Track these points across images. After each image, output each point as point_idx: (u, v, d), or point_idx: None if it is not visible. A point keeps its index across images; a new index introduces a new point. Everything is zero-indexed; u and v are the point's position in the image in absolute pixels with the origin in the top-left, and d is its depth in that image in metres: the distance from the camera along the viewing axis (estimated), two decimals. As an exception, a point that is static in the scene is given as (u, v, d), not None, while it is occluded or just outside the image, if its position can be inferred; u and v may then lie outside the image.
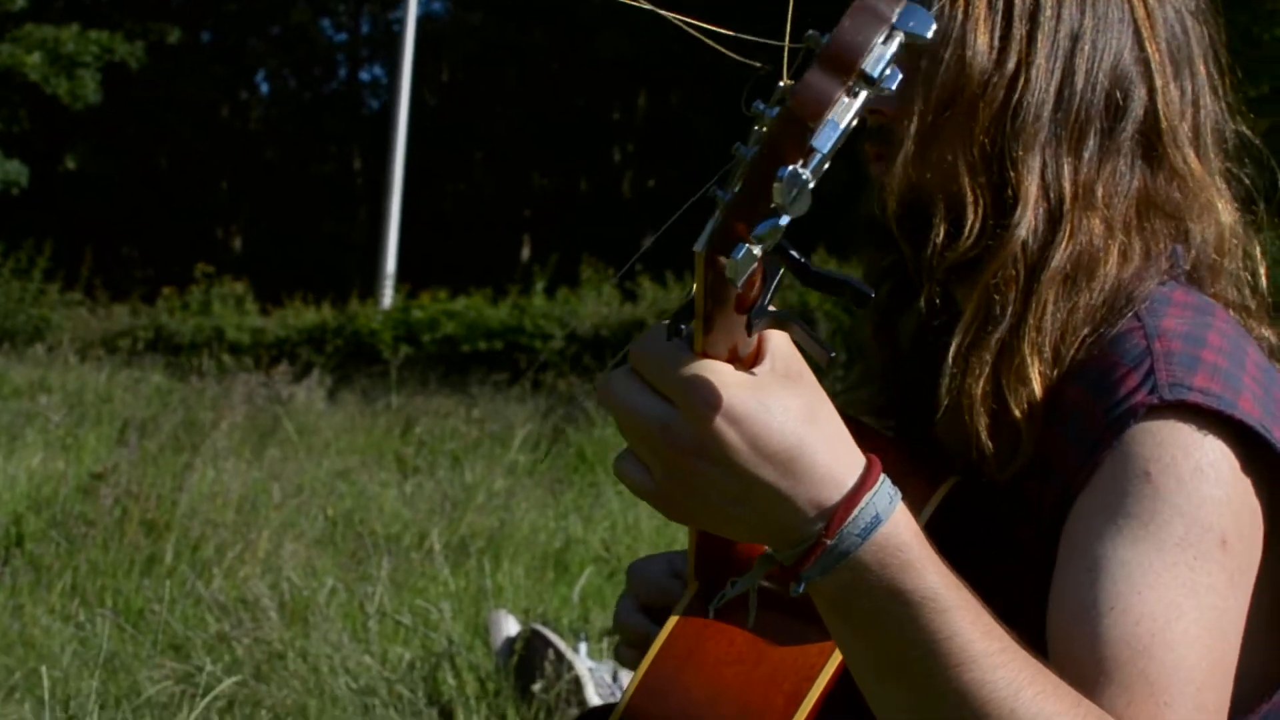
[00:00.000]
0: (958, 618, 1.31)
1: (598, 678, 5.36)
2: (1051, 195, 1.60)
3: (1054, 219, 1.60)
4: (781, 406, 1.27)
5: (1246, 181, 1.81)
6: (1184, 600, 1.43)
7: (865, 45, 1.10)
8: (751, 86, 1.25)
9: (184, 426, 10.49)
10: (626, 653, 1.83)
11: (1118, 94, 1.62)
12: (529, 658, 5.47)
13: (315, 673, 5.63)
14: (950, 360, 1.61)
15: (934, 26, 1.14)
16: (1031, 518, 1.57)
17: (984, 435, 1.58)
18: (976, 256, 1.61)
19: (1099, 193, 1.61)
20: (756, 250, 1.13)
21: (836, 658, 1.54)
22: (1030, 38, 1.61)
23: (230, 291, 21.44)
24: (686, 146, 34.85)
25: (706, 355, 1.25)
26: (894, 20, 1.11)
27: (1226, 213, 1.71)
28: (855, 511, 1.28)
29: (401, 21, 25.63)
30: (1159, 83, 1.64)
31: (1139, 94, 1.63)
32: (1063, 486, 1.53)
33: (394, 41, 27.96)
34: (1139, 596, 1.43)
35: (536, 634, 5.50)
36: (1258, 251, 1.78)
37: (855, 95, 1.10)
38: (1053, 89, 1.60)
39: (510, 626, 5.86)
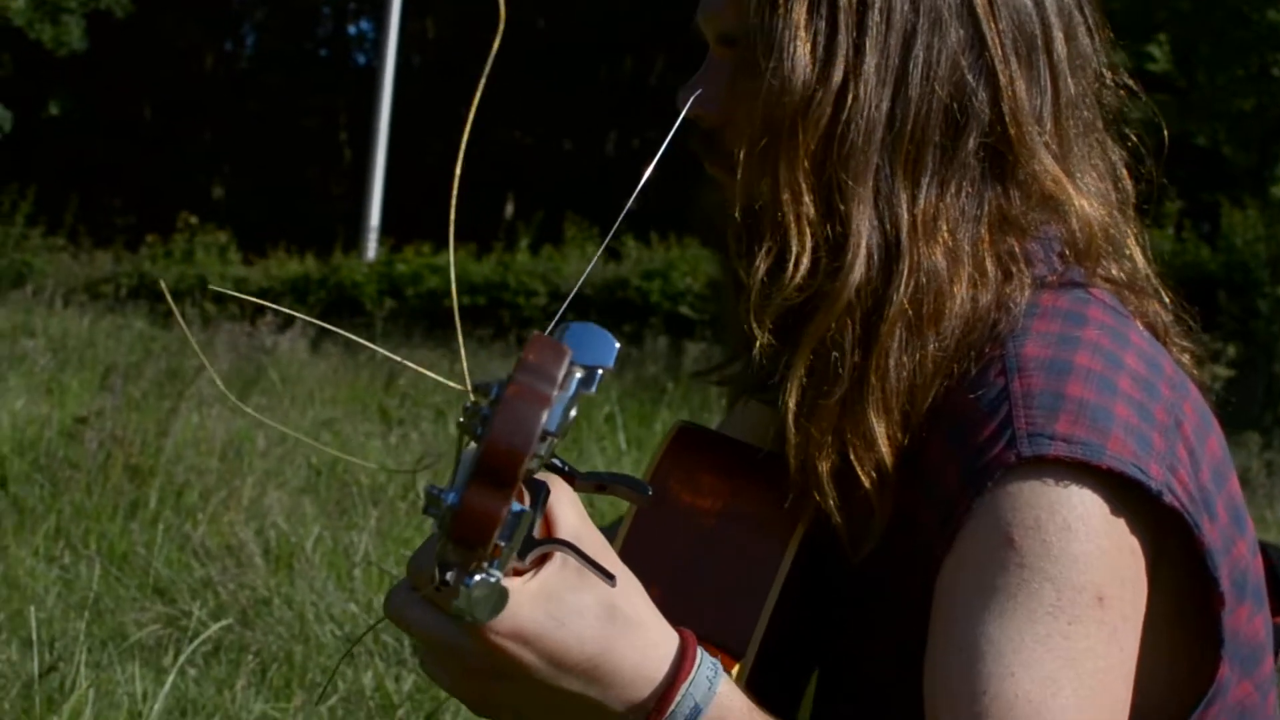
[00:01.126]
0: None
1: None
2: (887, 229, 1.41)
3: (890, 257, 1.41)
4: (576, 612, 1.20)
5: (1134, 139, 1.62)
6: (1061, 673, 1.32)
7: (528, 439, 1.03)
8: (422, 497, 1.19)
9: (167, 373, 10.47)
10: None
11: (955, 106, 1.42)
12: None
13: (300, 619, 5.63)
14: (789, 429, 1.44)
15: (616, 350, 1.11)
16: (900, 571, 1.46)
17: (835, 514, 1.45)
18: (806, 301, 1.41)
19: (941, 224, 1.42)
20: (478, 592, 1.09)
21: None
22: (858, 47, 1.40)
23: (214, 240, 21.36)
24: (669, 108, 34.82)
25: None
26: (557, 387, 1.04)
27: (1096, 208, 1.52)
28: (672, 706, 1.23)
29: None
30: (1004, 80, 1.43)
31: (981, 99, 1.43)
32: (926, 548, 1.40)
33: (382, -5, 27.82)
34: (1012, 679, 1.30)
35: (523, 585, 5.52)
36: (1131, 240, 1.59)
37: (540, 453, 1.05)
38: (884, 107, 1.40)
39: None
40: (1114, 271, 1.56)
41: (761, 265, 1.42)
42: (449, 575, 1.10)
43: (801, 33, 1.39)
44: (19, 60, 32.23)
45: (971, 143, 1.43)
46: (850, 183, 1.39)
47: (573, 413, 1.06)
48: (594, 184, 34.90)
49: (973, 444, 1.37)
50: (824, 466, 1.43)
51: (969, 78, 1.42)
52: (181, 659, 4.85)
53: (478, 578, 1.06)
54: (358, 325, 16.70)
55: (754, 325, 1.43)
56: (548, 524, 1.22)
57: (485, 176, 38.66)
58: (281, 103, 39.74)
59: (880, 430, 1.41)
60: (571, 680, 1.20)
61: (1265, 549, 1.61)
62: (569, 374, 1.06)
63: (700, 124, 1.52)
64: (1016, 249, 1.47)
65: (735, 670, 1.40)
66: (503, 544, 1.05)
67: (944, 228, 1.42)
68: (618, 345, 1.11)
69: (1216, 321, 13.73)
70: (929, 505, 1.40)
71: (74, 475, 7.15)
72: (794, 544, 1.49)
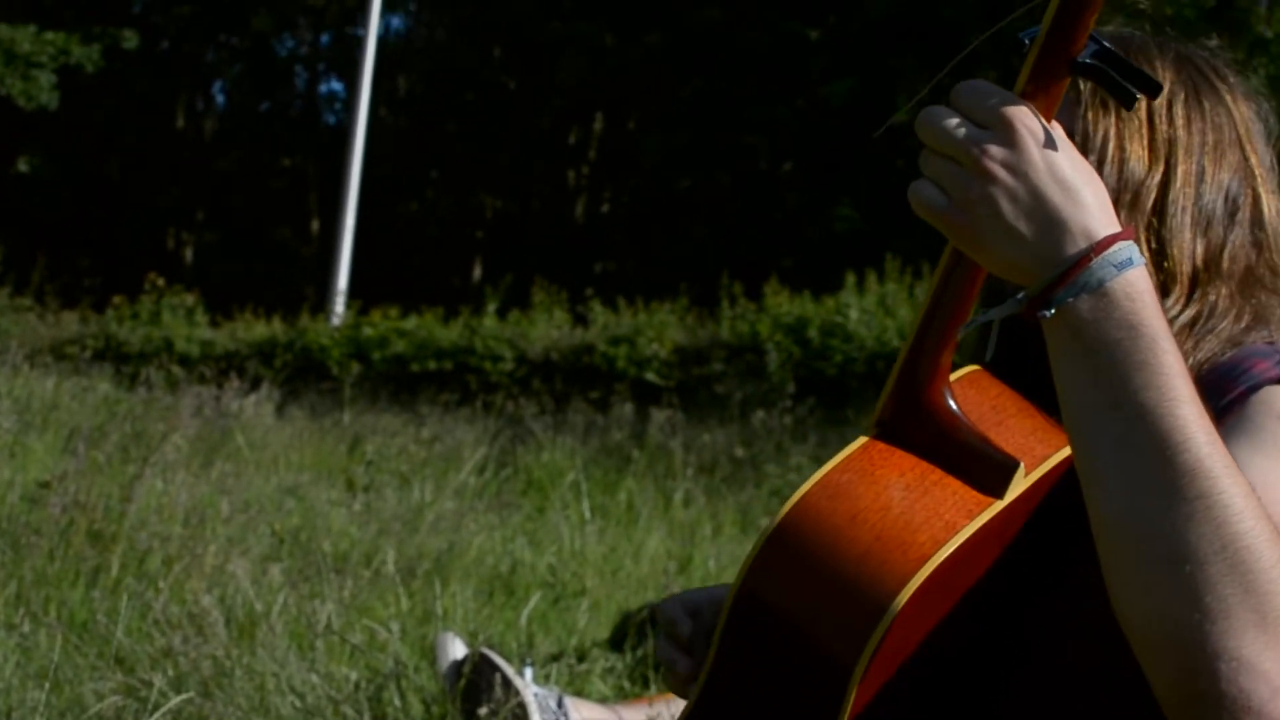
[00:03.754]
0: (1177, 363, 1.51)
1: (543, 703, 5.37)
2: (1189, 267, 1.85)
3: (1190, 289, 1.85)
4: (1073, 156, 1.57)
5: None
6: None
7: None
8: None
9: (132, 437, 10.44)
10: (675, 680, 1.99)
11: (1231, 192, 1.89)
12: (476, 682, 5.47)
13: (261, 690, 5.62)
14: None
15: None
16: None
17: None
18: None
19: (1224, 266, 1.86)
20: None
21: (992, 510, 1.68)
22: (1172, 149, 1.88)
23: (181, 302, 21.32)
24: (639, 171, 34.92)
25: None
26: None
27: None
28: (1115, 246, 1.53)
29: (362, 36, 25.59)
30: (1260, 184, 1.92)
31: (1248, 194, 1.91)
32: None
33: (353, 56, 27.90)
34: (1274, 488, 1.59)
35: (484, 658, 5.51)
36: None
37: None
38: (1191, 189, 1.87)
39: (457, 649, 5.86)
40: None
41: None
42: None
43: (1137, 138, 1.88)
44: (-12, 117, 32.18)
45: (1243, 219, 1.90)
46: (1168, 235, 1.86)
47: None
48: (563, 248, 34.97)
49: (1250, 371, 1.74)
50: None
51: (1240, 178, 1.91)
52: (141, 731, 4.84)
53: None
54: (323, 390, 16.69)
55: None
56: None
57: (454, 239, 38.74)
58: (251, 162, 39.80)
59: None
60: (1055, 190, 1.55)
61: None
62: None
63: None
64: (1264, 304, 1.88)
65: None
66: None
67: (1224, 269, 1.87)
68: None
69: None
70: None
71: (36, 541, 7.11)
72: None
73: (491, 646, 6.18)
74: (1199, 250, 1.85)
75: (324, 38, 43.25)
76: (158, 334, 19.99)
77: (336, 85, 45.12)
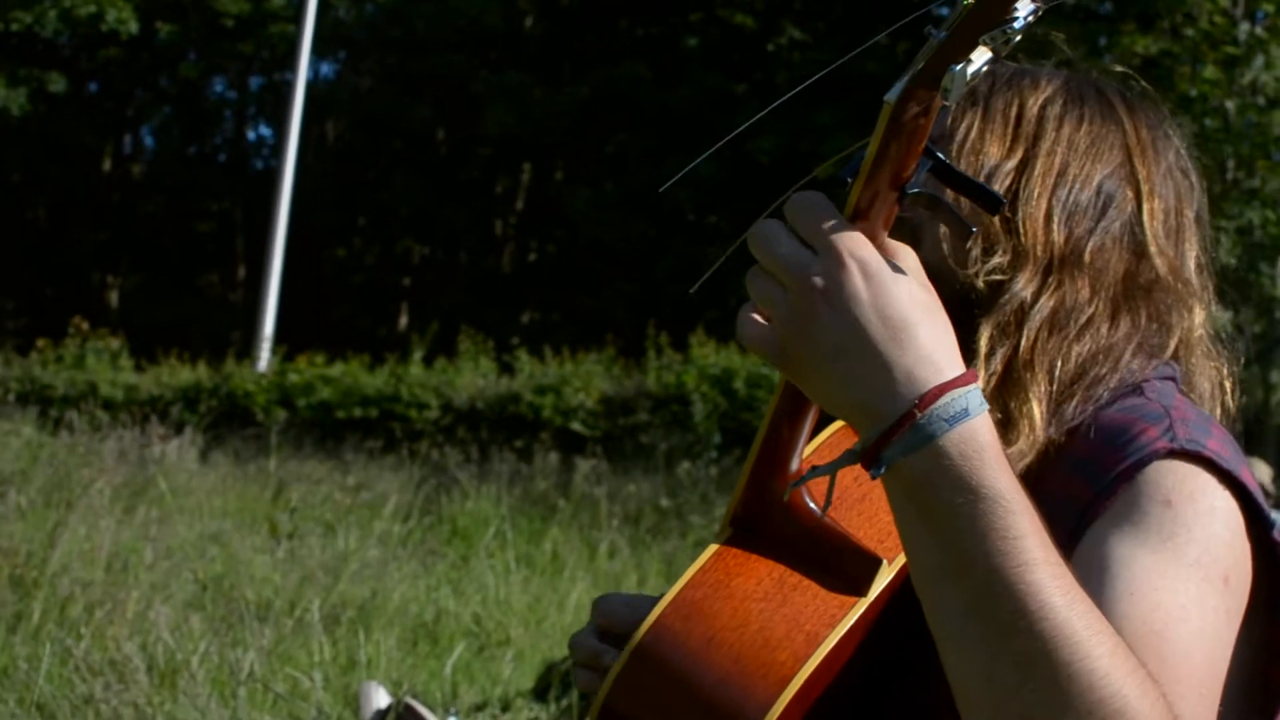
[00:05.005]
0: (1026, 522, 1.35)
1: (466, 753, 5.39)
2: (1043, 253, 1.75)
3: (1046, 273, 1.75)
4: (909, 288, 1.39)
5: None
6: (1192, 609, 1.51)
7: None
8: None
9: (56, 482, 10.38)
10: (581, 674, 1.82)
11: (1105, 190, 1.80)
12: (399, 731, 5.48)
13: (183, 738, 5.61)
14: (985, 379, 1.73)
15: None
16: None
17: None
18: (988, 296, 1.76)
19: (1086, 258, 1.76)
20: (971, 68, 1.31)
21: (856, 613, 1.60)
22: (1034, 142, 1.80)
23: (105, 346, 21.22)
24: (566, 222, 34.98)
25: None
26: None
27: (1202, 322, 1.85)
28: (946, 397, 1.36)
29: (291, 82, 25.58)
30: (1145, 190, 1.81)
31: (1126, 196, 1.80)
32: (1075, 518, 1.61)
33: (282, 102, 27.87)
34: (1155, 590, 1.50)
35: (408, 708, 5.52)
36: (1224, 376, 1.89)
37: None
38: (1049, 180, 1.78)
39: (381, 699, 5.87)
40: (1204, 387, 1.87)
41: (973, 255, 1.77)
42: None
43: (995, 137, 1.81)
44: (-87, 158, 31.96)
45: (1117, 220, 1.80)
46: (1023, 218, 1.76)
47: None
48: (490, 297, 34.96)
49: (1137, 439, 1.63)
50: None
51: (1118, 181, 1.82)
52: (62, 778, 4.82)
53: (959, 66, 1.28)
54: (247, 436, 16.63)
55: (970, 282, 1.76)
56: None
57: (381, 286, 38.67)
58: (178, 206, 39.60)
59: (1034, 391, 1.71)
60: (878, 328, 1.37)
61: None
62: None
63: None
64: (1144, 313, 1.80)
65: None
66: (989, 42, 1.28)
67: (1087, 263, 1.77)
68: None
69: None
70: (1083, 483, 1.64)
71: (-44, 587, 7.08)
72: None
73: (416, 696, 6.19)
74: (1058, 238, 1.75)
75: (253, 83, 43.19)
76: (82, 378, 19.89)
77: (265, 130, 45.11)
